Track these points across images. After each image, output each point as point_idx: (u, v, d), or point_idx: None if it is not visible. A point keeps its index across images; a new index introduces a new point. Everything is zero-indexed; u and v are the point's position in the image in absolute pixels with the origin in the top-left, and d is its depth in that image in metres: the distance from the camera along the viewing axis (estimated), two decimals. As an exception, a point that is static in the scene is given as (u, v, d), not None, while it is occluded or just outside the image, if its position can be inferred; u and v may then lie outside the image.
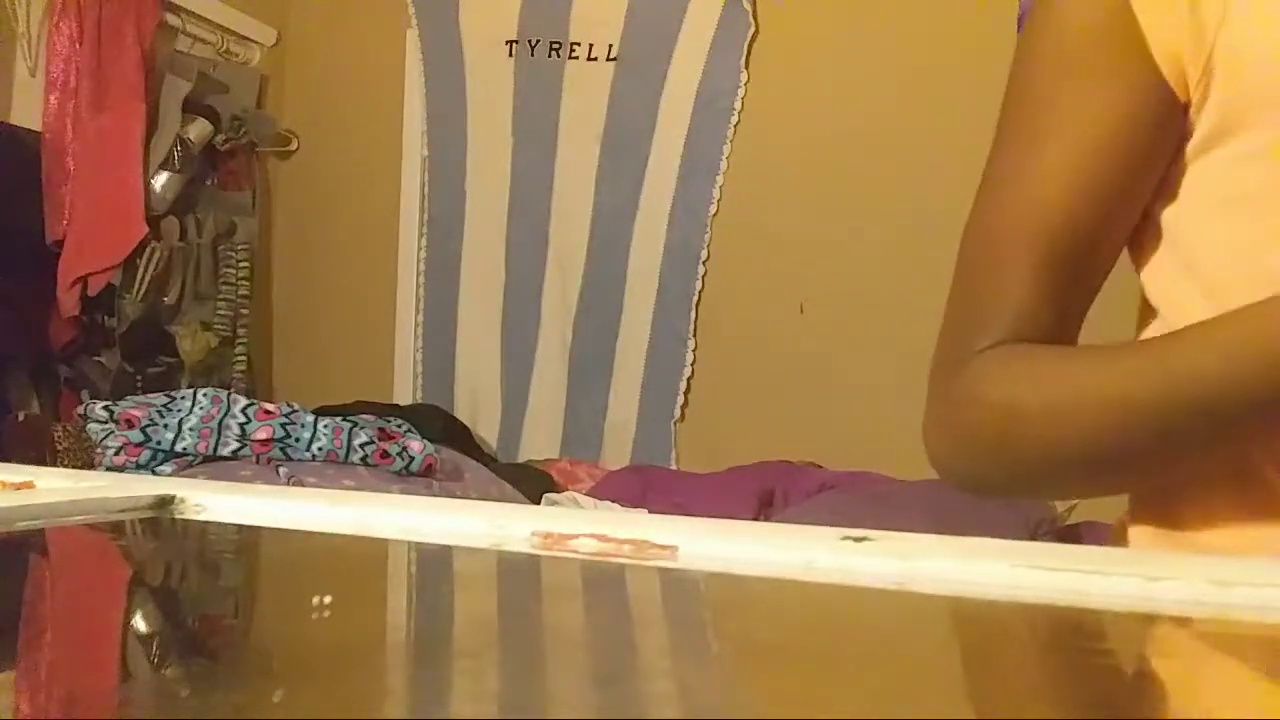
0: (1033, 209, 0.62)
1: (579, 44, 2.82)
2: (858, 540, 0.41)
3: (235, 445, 1.95)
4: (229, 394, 2.09)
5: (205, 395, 2.03)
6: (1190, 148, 0.61)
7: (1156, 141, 0.61)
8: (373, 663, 0.32)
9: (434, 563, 0.49)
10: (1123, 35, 0.60)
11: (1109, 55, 0.60)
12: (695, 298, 2.72)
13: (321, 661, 0.32)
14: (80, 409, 2.01)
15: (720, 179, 2.70)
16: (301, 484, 1.87)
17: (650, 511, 2.03)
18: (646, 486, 2.31)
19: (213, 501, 0.54)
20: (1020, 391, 0.60)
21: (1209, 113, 0.59)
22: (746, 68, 2.69)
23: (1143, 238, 0.65)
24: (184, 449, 1.93)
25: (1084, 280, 0.64)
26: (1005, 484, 0.67)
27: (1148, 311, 0.66)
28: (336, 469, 1.99)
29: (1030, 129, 0.64)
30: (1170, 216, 0.63)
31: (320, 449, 1.99)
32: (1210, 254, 0.61)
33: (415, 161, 3.00)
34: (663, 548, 0.43)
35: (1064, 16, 0.63)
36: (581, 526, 0.45)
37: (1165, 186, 0.63)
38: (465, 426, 2.78)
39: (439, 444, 2.20)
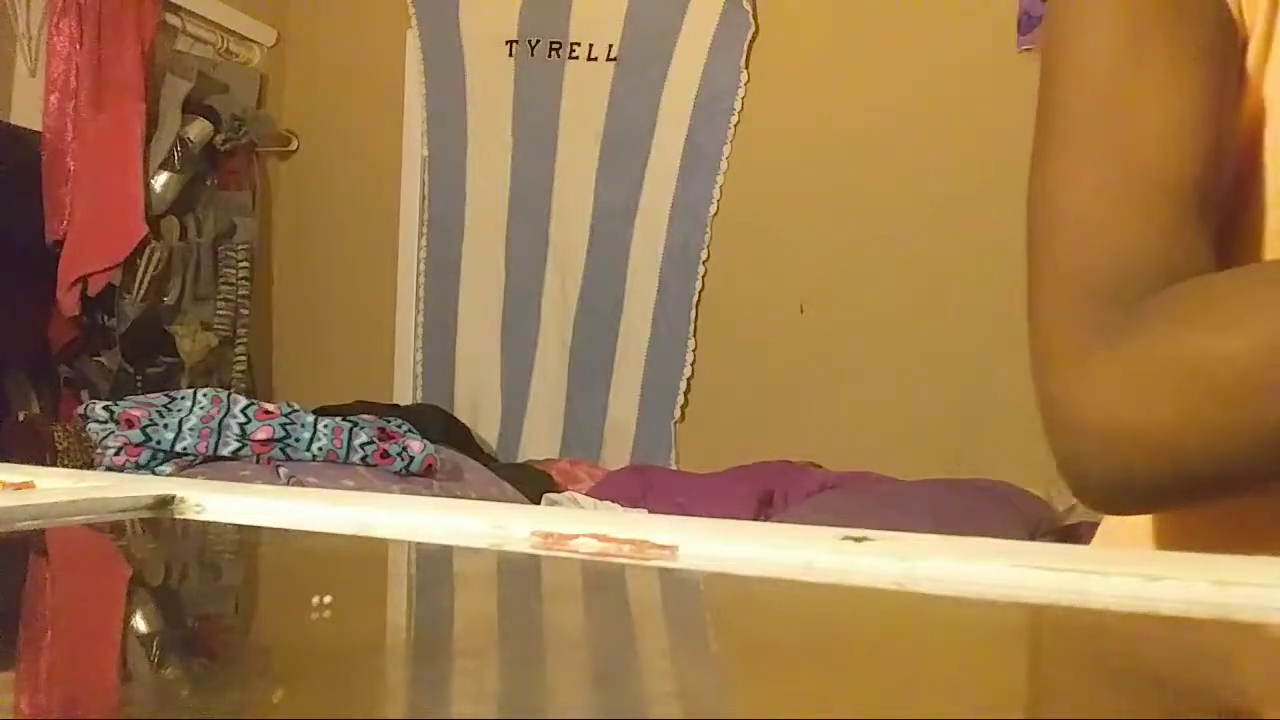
0: (1151, 138, 0.55)
1: (579, 44, 2.83)
2: (858, 540, 0.41)
3: (235, 445, 1.95)
4: (229, 394, 2.09)
5: (205, 395, 2.03)
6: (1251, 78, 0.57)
7: (1237, 78, 0.57)
8: (373, 663, 0.32)
9: (434, 563, 0.49)
10: None
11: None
12: (695, 298, 2.72)
13: (321, 661, 0.32)
14: (80, 409, 2.01)
15: (720, 179, 2.70)
16: (301, 484, 1.87)
17: (650, 511, 2.03)
18: (646, 486, 2.31)
19: (213, 501, 0.54)
20: (1265, 304, 0.48)
21: (1258, 43, 0.56)
22: (746, 68, 2.69)
23: None
24: (184, 449, 1.93)
25: (1215, 207, 0.56)
26: (1215, 455, 0.49)
27: None
28: (336, 469, 1.99)
29: (1110, 86, 0.57)
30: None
31: (320, 449, 1.99)
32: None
33: (415, 161, 3.00)
34: (663, 548, 0.43)
35: None
36: (581, 526, 0.45)
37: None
38: (465, 426, 2.78)
39: (439, 444, 2.21)
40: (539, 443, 2.82)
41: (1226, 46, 0.57)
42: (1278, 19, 0.56)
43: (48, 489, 0.55)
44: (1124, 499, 0.54)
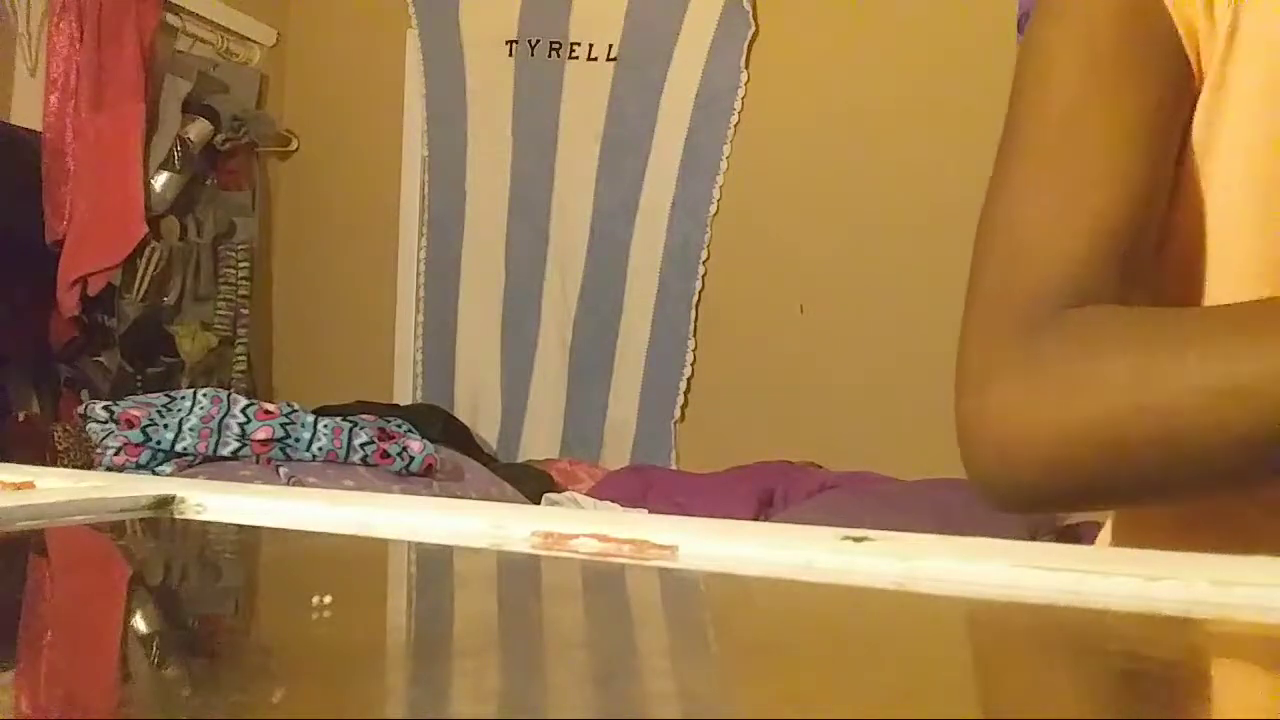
0: (1086, 176, 0.58)
1: (579, 44, 2.83)
2: (858, 540, 0.41)
3: (235, 445, 1.95)
4: (229, 394, 2.09)
5: (205, 395, 2.03)
6: (1197, 127, 0.59)
7: (1183, 125, 0.59)
8: (373, 663, 0.32)
9: (434, 563, 0.49)
10: (1149, 14, 0.58)
11: (1140, 37, 0.59)
12: (695, 298, 2.72)
13: (321, 661, 0.32)
14: (80, 409, 2.01)
15: (720, 179, 2.71)
16: (301, 484, 1.87)
17: (650, 511, 2.03)
18: (646, 486, 2.31)
19: (213, 501, 0.54)
20: (1152, 335, 0.51)
21: (1218, 88, 0.58)
22: (746, 68, 2.69)
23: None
24: (184, 449, 1.93)
25: (1140, 250, 0.59)
26: (1107, 470, 0.52)
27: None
28: (336, 469, 1.99)
29: (1071, 96, 0.60)
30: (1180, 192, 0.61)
31: (320, 449, 1.99)
32: (1229, 239, 0.59)
33: (415, 161, 3.00)
34: (663, 548, 0.43)
35: (1089, 6, 0.60)
36: (581, 526, 0.45)
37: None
38: (465, 426, 2.78)
39: (439, 444, 2.21)
40: (539, 443, 2.82)
41: (1179, 95, 0.59)
42: (1229, 67, 0.57)
43: (48, 489, 0.55)
44: (1023, 505, 0.57)
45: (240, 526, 0.53)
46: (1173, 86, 0.59)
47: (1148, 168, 0.58)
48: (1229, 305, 0.55)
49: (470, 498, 2.09)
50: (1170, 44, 0.58)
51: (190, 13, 2.79)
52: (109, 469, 1.87)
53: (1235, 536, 0.57)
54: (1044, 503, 0.57)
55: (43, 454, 1.99)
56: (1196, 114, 0.59)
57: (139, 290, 2.57)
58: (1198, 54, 0.58)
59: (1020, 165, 0.60)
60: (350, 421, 2.09)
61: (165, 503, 0.54)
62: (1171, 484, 0.52)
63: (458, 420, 2.79)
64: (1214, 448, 0.49)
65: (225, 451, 1.95)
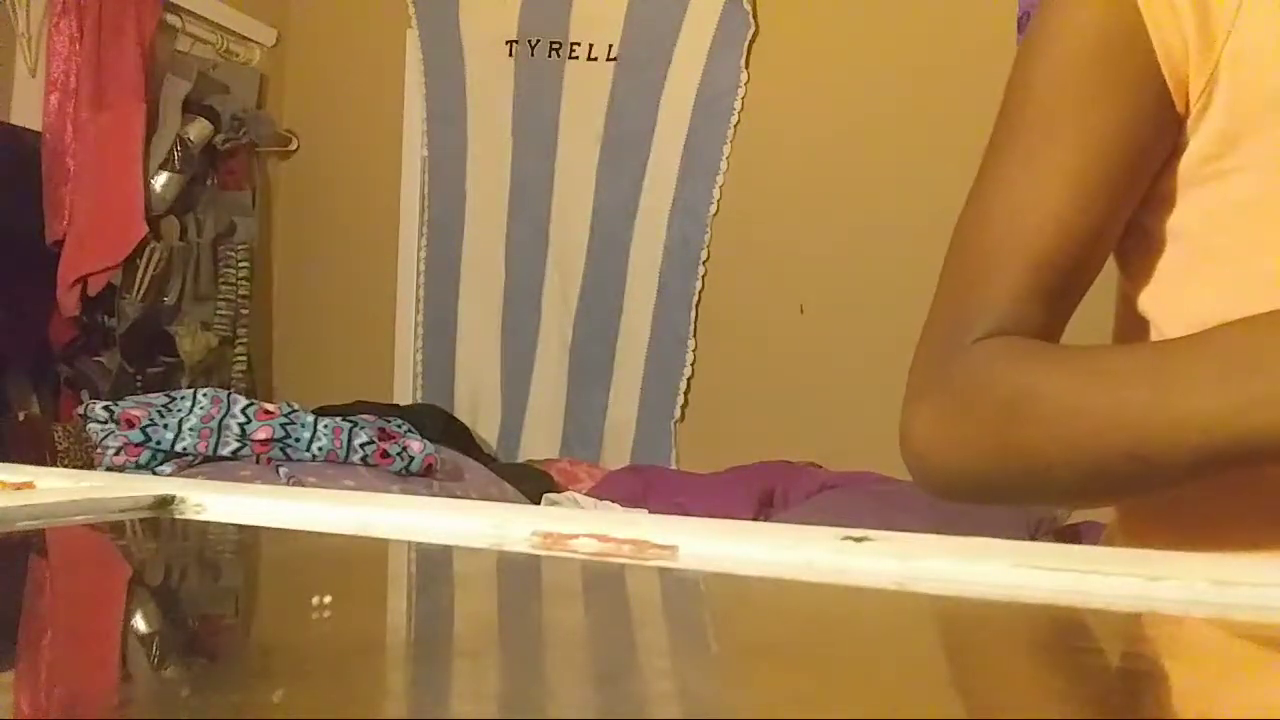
0: (1028, 215, 0.62)
1: (579, 44, 2.83)
2: (858, 540, 0.41)
3: (235, 445, 1.95)
4: (229, 394, 2.09)
5: (205, 395, 2.03)
6: (1188, 157, 0.61)
7: (1152, 153, 0.62)
8: (373, 663, 0.32)
9: (434, 563, 0.49)
10: (1130, 46, 0.60)
11: (1115, 66, 0.61)
12: (695, 298, 2.72)
13: (321, 661, 0.32)
14: (80, 409, 2.01)
15: (720, 179, 2.70)
16: (301, 484, 1.87)
17: (650, 511, 2.03)
18: (646, 486, 2.31)
19: (213, 501, 0.54)
20: (1036, 370, 0.59)
21: (1211, 120, 0.59)
22: (746, 68, 2.69)
23: (1138, 249, 0.65)
24: (184, 449, 1.93)
25: (1072, 287, 0.64)
26: (1002, 479, 0.61)
27: (1132, 323, 0.66)
28: (336, 469, 1.99)
29: (1030, 134, 0.64)
30: (1173, 226, 0.63)
31: (320, 449, 1.99)
32: (1214, 262, 0.61)
33: (415, 161, 3.00)
34: (663, 548, 0.43)
35: (1071, 24, 0.63)
36: (581, 526, 0.45)
37: (1161, 197, 0.63)
38: (465, 426, 2.78)
39: (439, 444, 2.20)
40: (539, 443, 2.82)
41: (1151, 118, 0.61)
42: (1213, 87, 0.59)
43: (48, 489, 0.55)
44: (946, 499, 0.66)
45: (240, 526, 0.53)
46: (1144, 109, 0.61)
47: (1104, 186, 0.62)
48: (1129, 346, 0.62)
49: (470, 498, 2.09)
50: (1147, 70, 0.60)
51: (190, 13, 2.79)
52: (109, 469, 1.87)
53: (1240, 540, 0.58)
54: (960, 499, 0.66)
55: (43, 454, 1.99)
56: (1197, 138, 0.60)
57: (139, 290, 2.57)
58: (1184, 79, 0.59)
59: (986, 176, 0.66)
60: (350, 421, 2.09)
61: (165, 503, 0.54)
62: (1050, 488, 0.60)
63: (458, 420, 2.79)
64: (1065, 471, 0.57)
65: (225, 451, 1.95)
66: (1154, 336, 0.64)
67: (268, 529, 0.52)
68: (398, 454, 2.05)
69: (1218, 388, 0.51)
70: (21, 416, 2.34)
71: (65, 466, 1.94)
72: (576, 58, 2.83)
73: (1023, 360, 0.60)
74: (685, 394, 2.72)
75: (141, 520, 0.53)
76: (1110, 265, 0.69)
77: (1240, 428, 0.50)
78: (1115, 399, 0.55)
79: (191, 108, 2.71)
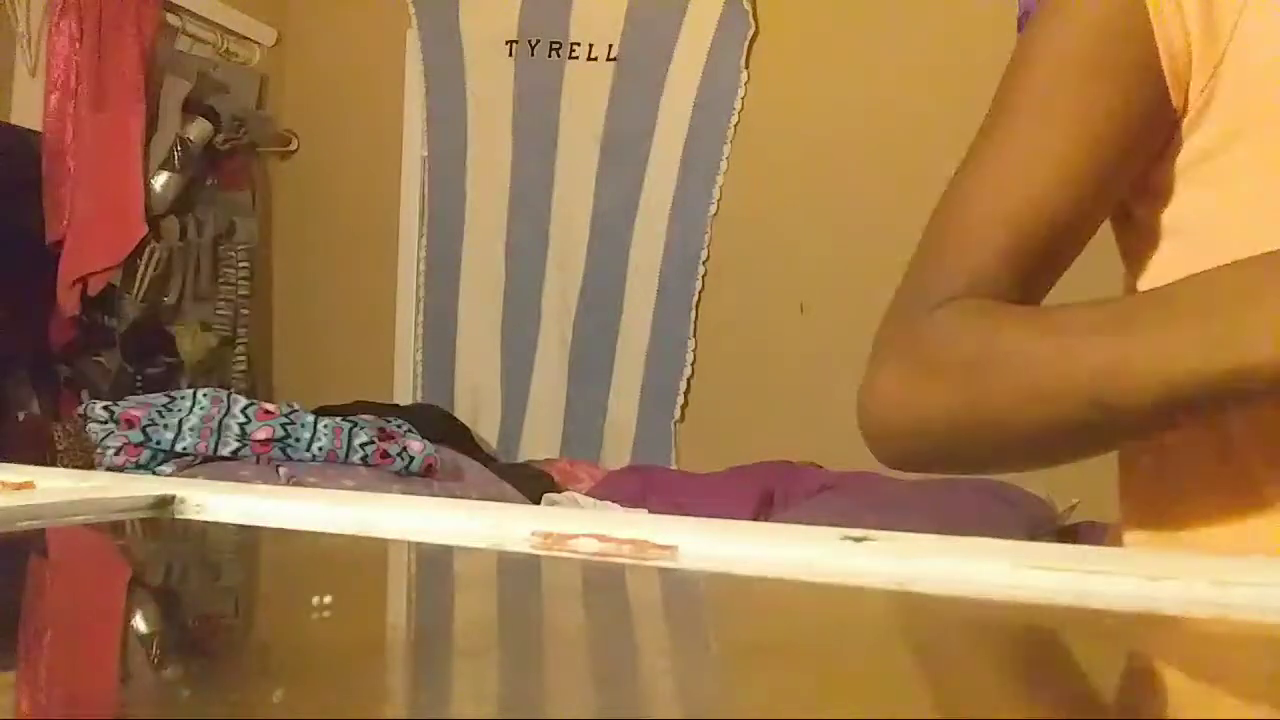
0: (1010, 195, 0.63)
1: (579, 44, 2.82)
2: (858, 540, 0.41)
3: (235, 445, 1.95)
4: (229, 394, 2.09)
5: (205, 395, 2.03)
6: (1188, 152, 0.61)
7: (1140, 147, 0.62)
8: (373, 663, 0.32)
9: (434, 563, 0.49)
10: (1132, 37, 0.60)
11: (1115, 56, 0.61)
12: (695, 298, 2.72)
13: (321, 661, 0.32)
14: (80, 409, 2.01)
15: (720, 179, 2.70)
16: (301, 484, 1.86)
17: (650, 511, 2.03)
18: (646, 486, 2.31)
19: (213, 501, 0.54)
20: (1000, 325, 0.59)
21: (1213, 117, 0.59)
22: (746, 68, 2.69)
23: (1139, 243, 0.65)
24: (184, 449, 1.93)
25: (1045, 270, 0.64)
26: (965, 438, 0.61)
27: None
28: (336, 469, 1.99)
29: (1023, 115, 0.64)
30: (1174, 221, 0.63)
31: (320, 449, 1.99)
32: (1214, 258, 0.61)
33: (415, 161, 3.00)
34: (663, 548, 0.43)
35: (1076, 12, 0.63)
36: (581, 526, 0.45)
37: (1160, 191, 0.63)
38: (465, 426, 2.78)
39: (439, 444, 2.20)
40: (539, 443, 2.82)
41: (1145, 112, 0.61)
42: (1215, 84, 0.59)
43: (48, 489, 0.55)
44: (899, 466, 0.67)
45: (240, 526, 0.53)
46: (1139, 103, 0.61)
47: (1089, 174, 0.62)
48: (1091, 301, 0.60)
49: (470, 498, 2.09)
50: (1147, 64, 0.60)
51: (190, 13, 2.78)
52: (109, 469, 1.87)
53: (1247, 498, 0.58)
54: (916, 465, 0.67)
55: (43, 454, 1.99)
56: (1196, 136, 0.60)
57: (139, 290, 2.57)
58: (1185, 77, 0.59)
59: (976, 151, 0.66)
60: (350, 421, 2.09)
61: (165, 503, 0.54)
62: (1011, 445, 0.60)
63: (458, 420, 2.79)
64: (1027, 426, 0.57)
65: (225, 451, 1.95)
66: None
67: (268, 529, 0.52)
68: (398, 454, 2.05)
69: (1178, 334, 0.51)
70: (21, 416, 2.34)
71: (65, 466, 1.94)
72: (576, 58, 2.83)
73: (987, 317, 0.60)
74: (685, 394, 2.72)
75: (141, 520, 0.53)
76: (1115, 258, 0.69)
77: (1203, 371, 0.50)
78: (1077, 349, 0.55)
79: (191, 108, 2.71)
